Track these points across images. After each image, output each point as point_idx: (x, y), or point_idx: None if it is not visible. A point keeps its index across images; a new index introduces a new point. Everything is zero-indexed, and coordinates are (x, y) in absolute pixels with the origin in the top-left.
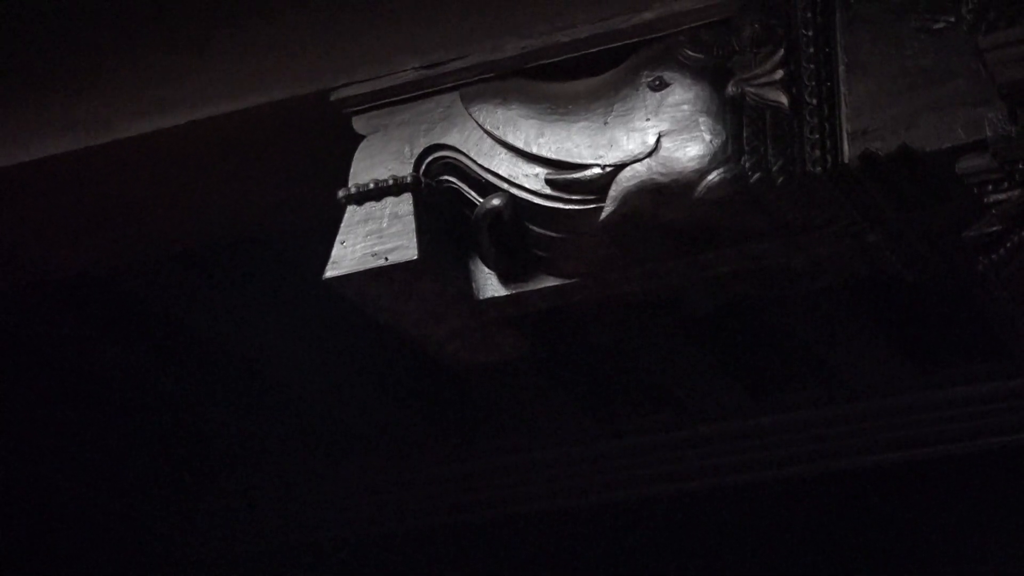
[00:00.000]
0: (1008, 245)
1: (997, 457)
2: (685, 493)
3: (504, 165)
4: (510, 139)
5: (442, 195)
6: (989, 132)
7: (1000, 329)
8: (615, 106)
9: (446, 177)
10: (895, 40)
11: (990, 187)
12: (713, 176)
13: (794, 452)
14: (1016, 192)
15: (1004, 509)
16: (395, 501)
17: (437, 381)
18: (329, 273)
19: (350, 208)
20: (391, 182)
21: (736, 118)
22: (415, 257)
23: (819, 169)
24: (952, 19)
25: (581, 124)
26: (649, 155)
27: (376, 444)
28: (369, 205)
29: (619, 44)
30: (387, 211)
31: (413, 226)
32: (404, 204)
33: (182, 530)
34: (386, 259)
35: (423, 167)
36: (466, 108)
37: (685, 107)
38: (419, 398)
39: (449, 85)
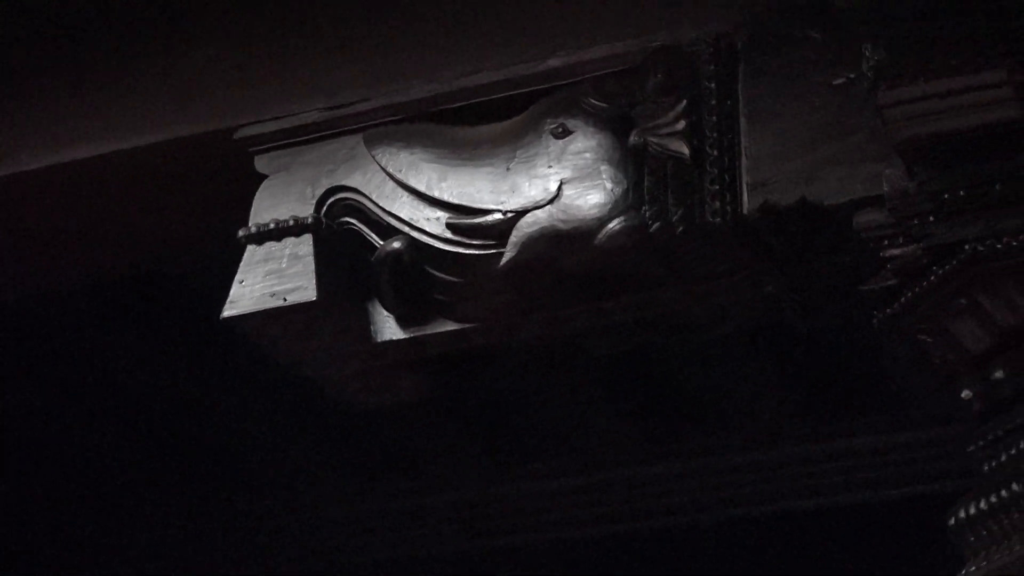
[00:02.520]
0: (903, 300)
1: (891, 509)
2: (582, 540)
3: (406, 208)
4: (412, 182)
5: (343, 237)
6: (887, 187)
7: (894, 382)
8: (518, 152)
9: (347, 219)
10: (797, 94)
11: (886, 242)
12: (614, 224)
13: (690, 499)
14: (912, 248)
15: (898, 560)
16: (293, 542)
17: (338, 421)
18: (227, 312)
19: (250, 247)
20: (292, 222)
21: (638, 167)
22: (314, 298)
23: (719, 220)
24: (853, 75)
25: (484, 169)
26: (551, 202)
27: (275, 483)
28: (269, 245)
29: (524, 91)
30: (287, 251)
31: (313, 267)
32: (304, 245)
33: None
34: (285, 300)
35: (325, 208)
36: (370, 150)
37: (587, 155)
38: (320, 438)
39: (353, 127)
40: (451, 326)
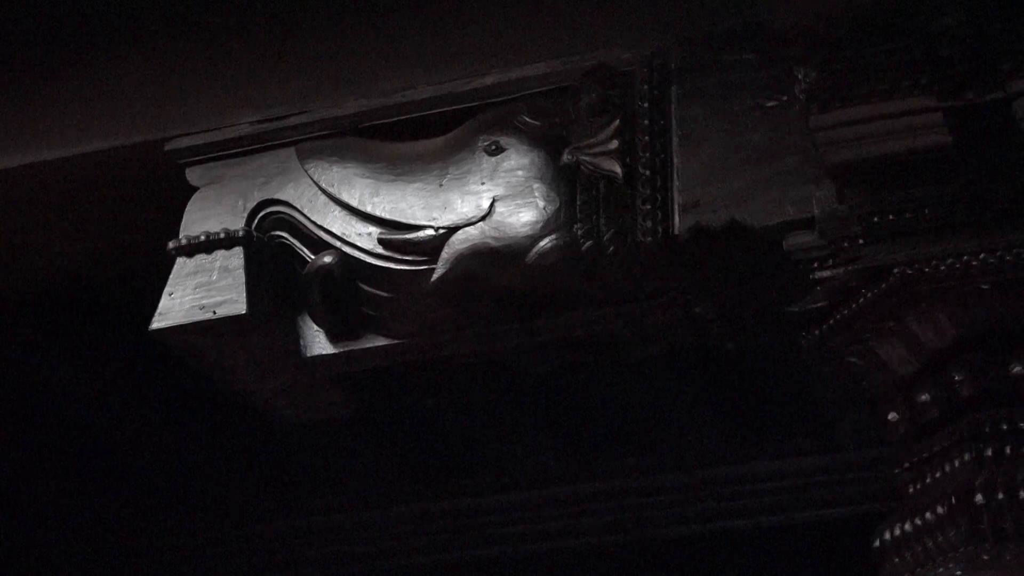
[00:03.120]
0: (831, 322)
1: (816, 530)
2: (509, 557)
3: (337, 223)
4: (344, 197)
5: (274, 250)
6: (817, 210)
7: (820, 404)
8: (451, 169)
9: (279, 232)
10: (729, 116)
11: (816, 264)
12: (545, 242)
13: (617, 519)
14: (841, 270)
15: None
16: (218, 557)
17: (265, 437)
18: (155, 324)
19: (180, 260)
20: (223, 235)
21: (570, 186)
22: (244, 312)
23: (650, 239)
24: (785, 98)
25: (416, 185)
26: (483, 219)
27: (200, 499)
28: (200, 257)
29: (458, 107)
30: (217, 264)
31: (243, 280)
32: (235, 258)
33: None
34: (214, 312)
35: (256, 221)
36: (302, 164)
37: (520, 172)
38: (246, 454)
39: (286, 140)
40: (381, 341)
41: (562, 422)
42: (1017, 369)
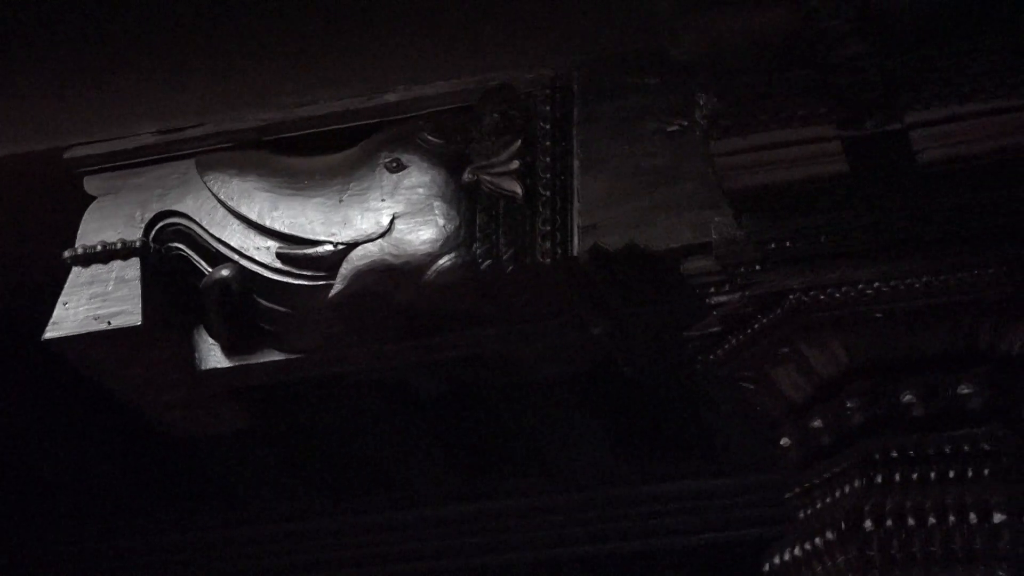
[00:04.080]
0: (726, 346)
1: (709, 553)
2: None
3: (236, 236)
4: (244, 210)
5: (171, 262)
6: (715, 235)
7: (714, 427)
8: (351, 185)
9: (177, 244)
10: (630, 139)
11: (713, 289)
12: (444, 260)
13: (510, 539)
14: (737, 295)
15: None
16: (110, 571)
17: (159, 449)
18: (49, 334)
19: (75, 269)
20: (120, 245)
21: (471, 205)
22: (139, 323)
23: (549, 260)
24: (686, 123)
25: (316, 200)
26: (382, 235)
27: (93, 510)
28: (96, 267)
29: (359, 123)
30: (114, 275)
31: (139, 291)
32: (131, 269)
33: None
34: (109, 323)
35: (154, 232)
36: (202, 176)
37: (421, 190)
38: (140, 465)
39: (186, 152)
40: (277, 356)
41: (457, 441)
42: (908, 397)
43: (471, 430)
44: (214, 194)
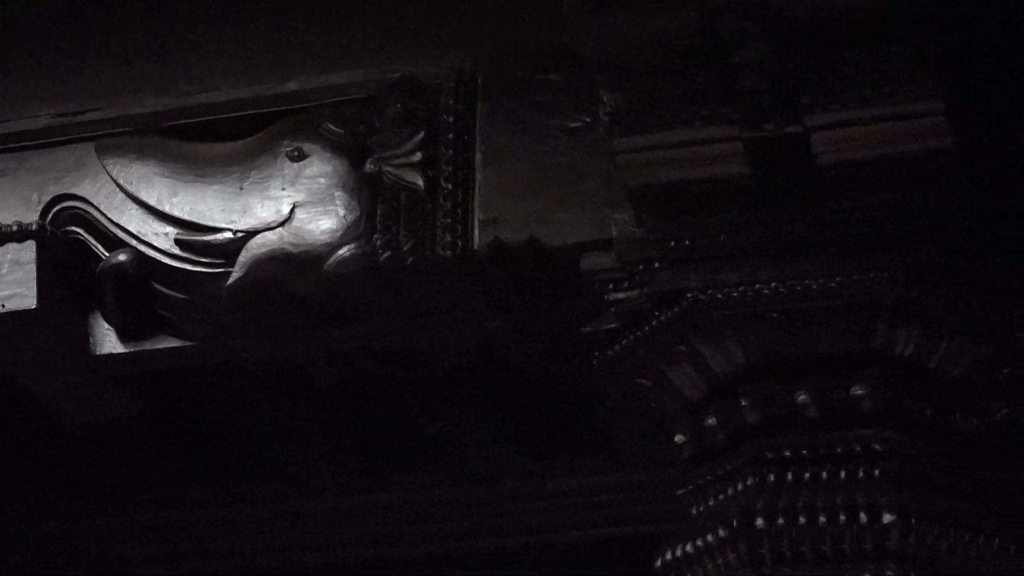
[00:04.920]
0: (623, 343)
1: (601, 549)
2: (297, 567)
3: (134, 221)
4: (143, 195)
5: (68, 246)
6: (615, 232)
7: (610, 424)
8: (252, 172)
9: (74, 228)
10: (533, 134)
11: (611, 286)
12: (344, 251)
13: (403, 532)
14: (635, 292)
15: None
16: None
17: (46, 434)
18: None
19: None
20: (15, 228)
21: (372, 196)
22: (34, 306)
23: (449, 253)
24: (589, 120)
25: (216, 187)
26: (282, 224)
27: None
28: None
29: (261, 111)
30: (8, 257)
31: (34, 275)
32: (27, 252)
33: None
34: (3, 306)
35: (51, 215)
36: (101, 160)
37: (322, 180)
38: (26, 451)
39: (85, 136)
40: (173, 343)
41: (352, 433)
42: (802, 397)
43: (367, 422)
44: (113, 178)
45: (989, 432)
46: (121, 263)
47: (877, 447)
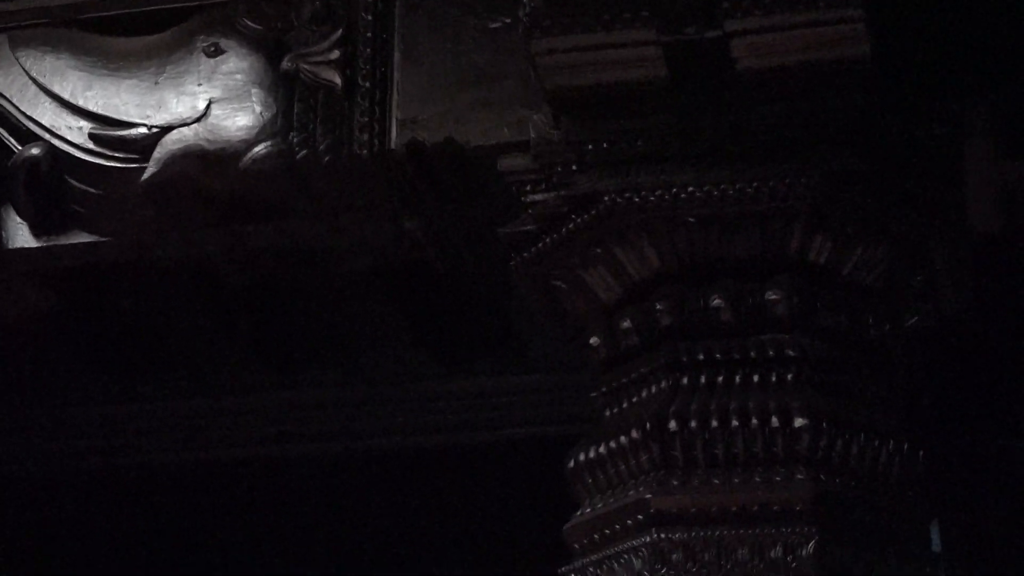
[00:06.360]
0: (540, 245)
1: (513, 449)
2: (203, 463)
3: (48, 115)
4: (56, 89)
5: None
6: (533, 134)
7: (525, 326)
8: (168, 68)
9: None
10: (453, 34)
11: (528, 187)
12: (260, 148)
13: (311, 430)
14: (552, 195)
15: (517, 500)
16: None
17: None
18: None
19: None
20: None
21: (288, 93)
22: None
23: (365, 152)
24: (509, 20)
25: (131, 82)
26: (197, 120)
27: None
28: None
29: (177, 6)
30: None
31: None
32: None
33: None
34: None
35: None
36: (14, 52)
37: (239, 76)
38: None
39: None
40: (86, 238)
41: (262, 332)
42: (716, 301)
43: (277, 321)
44: (26, 71)
45: (900, 339)
46: (34, 157)
47: (790, 352)
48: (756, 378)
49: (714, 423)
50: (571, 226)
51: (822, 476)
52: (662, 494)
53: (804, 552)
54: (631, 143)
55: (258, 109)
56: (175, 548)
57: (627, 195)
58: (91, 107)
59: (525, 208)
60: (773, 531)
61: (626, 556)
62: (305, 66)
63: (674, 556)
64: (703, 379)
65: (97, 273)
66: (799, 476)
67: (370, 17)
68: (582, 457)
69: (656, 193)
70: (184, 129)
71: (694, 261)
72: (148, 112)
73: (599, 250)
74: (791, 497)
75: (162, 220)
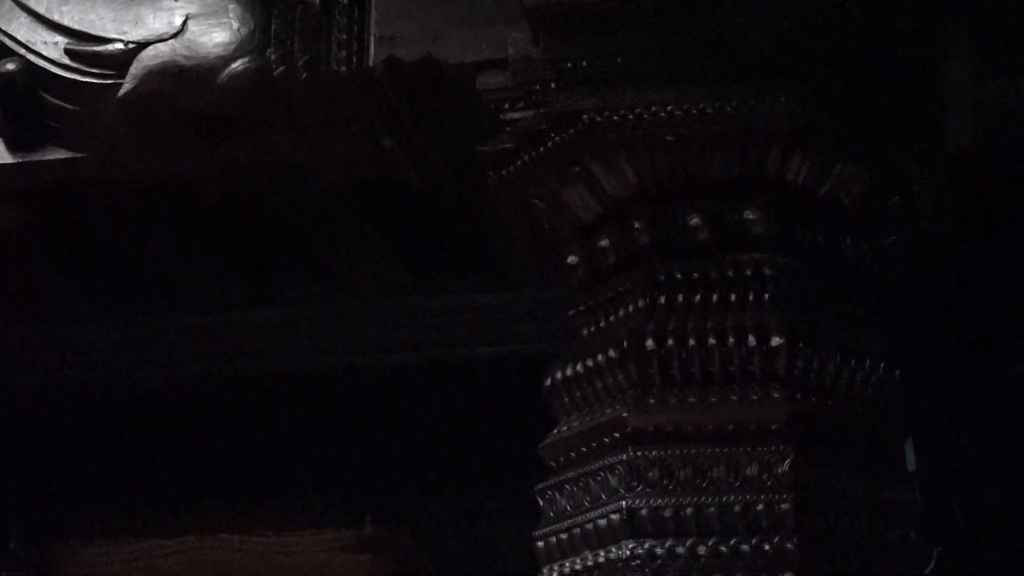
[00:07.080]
0: (518, 163)
1: (491, 366)
2: (183, 380)
3: (23, 30)
4: (31, 3)
5: None
6: (512, 52)
7: (502, 244)
8: None
9: None
10: None
11: (507, 105)
12: (237, 64)
13: (290, 347)
14: (531, 112)
15: (495, 416)
16: None
17: None
18: None
19: None
20: None
21: (266, 9)
22: None
23: (343, 69)
24: None
25: None
26: (174, 36)
27: None
28: None
29: None
30: None
31: None
32: None
33: None
34: None
35: None
36: None
37: None
38: None
39: None
40: (62, 154)
41: (240, 249)
42: (694, 221)
43: (254, 238)
44: None
45: (877, 259)
46: (9, 72)
47: (767, 271)
48: (733, 297)
49: (691, 342)
50: (549, 144)
51: (798, 395)
52: (639, 412)
53: (780, 470)
54: (610, 61)
55: (235, 25)
56: (152, 461)
57: (606, 113)
58: (67, 22)
59: (504, 126)
60: (749, 449)
61: (602, 474)
62: None
63: (650, 474)
64: (680, 298)
65: (73, 190)
66: (775, 395)
67: None
68: (559, 375)
69: (635, 112)
70: (161, 45)
71: (672, 180)
72: (124, 28)
73: (577, 168)
74: (767, 416)
75: (139, 137)
